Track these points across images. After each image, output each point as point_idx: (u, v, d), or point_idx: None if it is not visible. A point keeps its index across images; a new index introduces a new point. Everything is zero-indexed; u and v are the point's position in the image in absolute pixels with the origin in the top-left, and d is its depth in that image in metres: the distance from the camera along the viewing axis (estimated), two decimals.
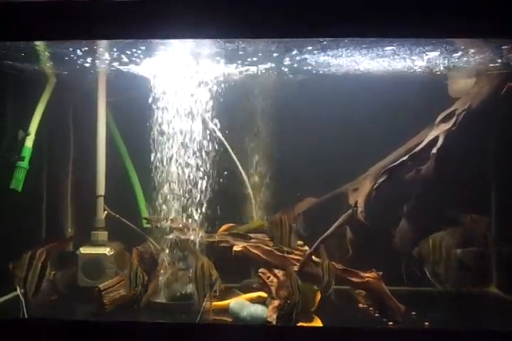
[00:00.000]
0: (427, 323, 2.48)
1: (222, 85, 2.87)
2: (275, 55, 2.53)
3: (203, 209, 2.83)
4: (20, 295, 2.44)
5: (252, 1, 1.99)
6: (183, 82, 2.82)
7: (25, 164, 2.91)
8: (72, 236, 3.22)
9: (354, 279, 2.64)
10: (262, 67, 2.79)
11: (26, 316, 2.41)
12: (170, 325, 2.41)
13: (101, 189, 3.10)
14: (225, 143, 3.04)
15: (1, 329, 2.22)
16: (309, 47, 2.39)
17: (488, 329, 2.34)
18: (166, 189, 2.83)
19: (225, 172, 2.96)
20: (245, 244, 2.77)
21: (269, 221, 2.69)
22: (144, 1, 2.01)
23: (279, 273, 2.68)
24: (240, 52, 2.47)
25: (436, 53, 2.48)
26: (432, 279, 2.43)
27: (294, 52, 2.47)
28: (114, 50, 2.48)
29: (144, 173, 2.97)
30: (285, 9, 2.00)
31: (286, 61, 2.67)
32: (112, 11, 2.04)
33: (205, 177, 2.84)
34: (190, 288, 2.75)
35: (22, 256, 2.46)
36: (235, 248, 2.78)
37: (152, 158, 2.85)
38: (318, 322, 2.52)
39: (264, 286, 2.66)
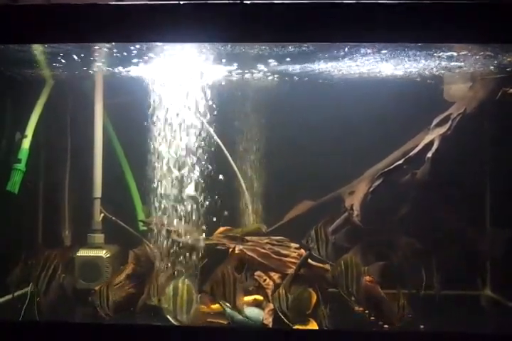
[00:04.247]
0: (422, 326, 2.51)
1: (220, 89, 2.89)
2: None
3: (200, 212, 2.84)
4: (28, 293, 2.53)
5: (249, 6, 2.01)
6: (181, 86, 2.83)
7: (21, 166, 2.90)
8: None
9: None
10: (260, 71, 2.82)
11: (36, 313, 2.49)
12: (166, 328, 2.42)
13: (98, 191, 3.10)
14: (223, 146, 3.05)
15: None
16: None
17: (483, 332, 2.36)
18: (162, 192, 2.83)
19: (222, 176, 2.97)
20: (241, 247, 2.78)
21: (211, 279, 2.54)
22: (143, 5, 2.02)
23: (275, 276, 2.69)
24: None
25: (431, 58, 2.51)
26: (347, 298, 2.50)
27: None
28: (111, 51, 2.49)
29: (140, 175, 2.97)
30: (284, 14, 2.02)
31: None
32: (110, 14, 2.05)
33: (202, 180, 2.84)
34: None
35: (39, 255, 2.52)
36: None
37: (149, 161, 2.85)
38: (314, 325, 2.53)
39: (260, 289, 2.67)
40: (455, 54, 2.41)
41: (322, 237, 2.53)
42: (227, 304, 2.43)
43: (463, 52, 2.39)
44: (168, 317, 2.46)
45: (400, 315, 2.51)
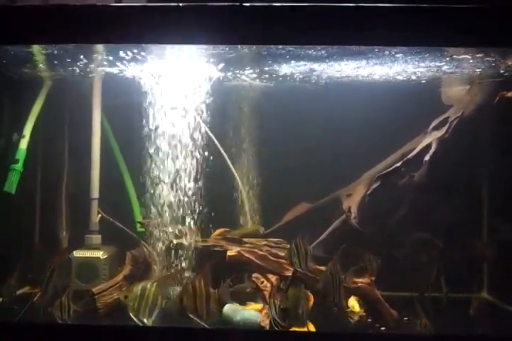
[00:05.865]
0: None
1: (216, 90, 2.88)
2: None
3: (197, 214, 2.83)
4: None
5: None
6: (180, 86, 2.83)
7: (19, 166, 2.89)
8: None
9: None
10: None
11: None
12: (165, 329, 2.42)
13: (95, 192, 3.09)
14: (220, 148, 3.05)
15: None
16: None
17: (479, 334, 2.37)
18: (159, 193, 2.83)
19: (220, 177, 2.97)
20: (239, 249, 2.78)
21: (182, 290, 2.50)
22: (142, 6, 2.02)
23: (273, 277, 2.69)
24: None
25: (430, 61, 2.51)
26: (334, 308, 2.53)
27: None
28: (108, 53, 2.49)
29: (137, 177, 2.97)
30: (282, 16, 2.02)
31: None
32: (109, 16, 2.05)
33: (200, 181, 2.84)
34: None
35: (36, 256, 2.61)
36: (229, 252, 2.78)
37: (146, 162, 2.85)
38: (311, 327, 2.53)
39: (257, 291, 2.67)
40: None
41: (301, 250, 2.52)
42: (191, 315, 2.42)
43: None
44: (131, 315, 2.46)
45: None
